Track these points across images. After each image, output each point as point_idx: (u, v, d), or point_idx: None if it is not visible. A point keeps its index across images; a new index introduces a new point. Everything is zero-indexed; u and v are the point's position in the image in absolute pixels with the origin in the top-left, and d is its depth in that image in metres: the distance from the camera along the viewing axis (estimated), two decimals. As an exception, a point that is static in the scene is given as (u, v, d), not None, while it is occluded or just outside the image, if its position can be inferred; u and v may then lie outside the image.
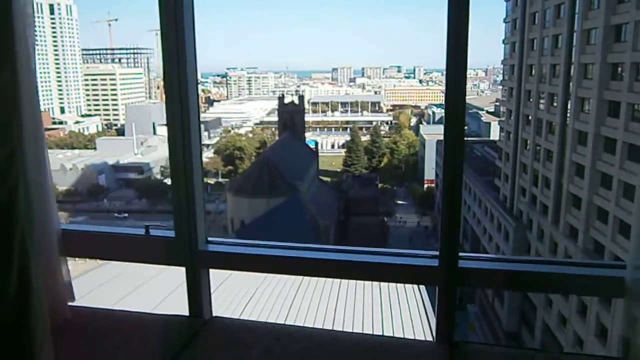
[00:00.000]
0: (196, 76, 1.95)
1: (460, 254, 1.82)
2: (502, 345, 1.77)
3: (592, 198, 17.07)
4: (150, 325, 2.04)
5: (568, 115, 18.42)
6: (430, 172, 39.81)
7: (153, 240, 2.11)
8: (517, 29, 21.83)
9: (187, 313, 2.12)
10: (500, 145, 27.54)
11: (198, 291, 2.08)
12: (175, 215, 2.02)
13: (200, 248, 2.03)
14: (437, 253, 1.84)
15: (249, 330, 1.99)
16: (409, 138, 42.83)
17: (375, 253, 1.97)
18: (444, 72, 1.77)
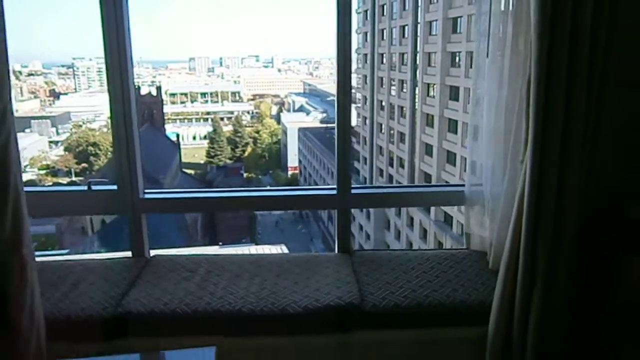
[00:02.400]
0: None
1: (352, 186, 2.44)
2: (386, 249, 2.25)
3: (440, 174, 19.19)
4: (99, 268, 2.37)
5: (417, 99, 20.37)
6: (293, 159, 40.92)
7: (97, 194, 2.44)
8: (368, 20, 23.49)
9: (130, 255, 2.49)
10: (357, 130, 29.43)
11: (140, 234, 2.46)
12: (116, 171, 2.38)
13: (141, 197, 2.41)
14: (335, 186, 2.44)
15: (186, 262, 2.42)
16: (271, 127, 43.50)
17: (288, 190, 2.53)
18: (336, 60, 2.34)
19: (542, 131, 1.74)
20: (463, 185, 2.42)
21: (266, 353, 1.97)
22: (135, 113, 2.34)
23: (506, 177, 2.09)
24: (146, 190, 2.45)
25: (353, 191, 2.42)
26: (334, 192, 2.42)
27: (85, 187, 2.43)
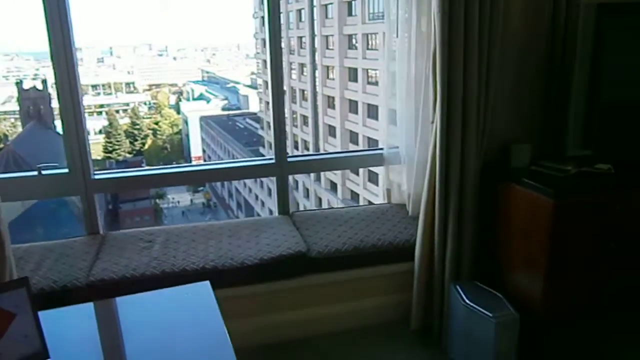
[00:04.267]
0: None
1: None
2: (320, 209, 2.50)
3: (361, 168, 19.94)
4: (58, 248, 2.50)
5: (317, 82, 20.88)
6: (197, 148, 40.15)
7: (49, 178, 2.56)
8: (264, 4, 23.56)
9: (85, 234, 2.64)
10: (260, 115, 29.52)
11: (94, 213, 2.62)
12: (67, 155, 2.52)
13: (92, 178, 2.58)
14: (273, 156, 2.75)
15: (142, 234, 2.62)
16: (171, 117, 42.25)
17: (230, 162, 2.80)
18: (267, 36, 2.63)
19: (447, 95, 2.17)
20: (382, 149, 2.82)
21: (230, 301, 2.27)
22: (82, 99, 2.49)
23: (418, 139, 2.51)
24: (95, 172, 2.62)
25: (289, 159, 2.74)
26: (272, 161, 2.72)
27: (36, 173, 2.54)
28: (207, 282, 1.60)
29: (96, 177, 2.60)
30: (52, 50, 2.37)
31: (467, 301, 2.11)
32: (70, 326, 1.46)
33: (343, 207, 3.00)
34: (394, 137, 2.70)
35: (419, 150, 2.51)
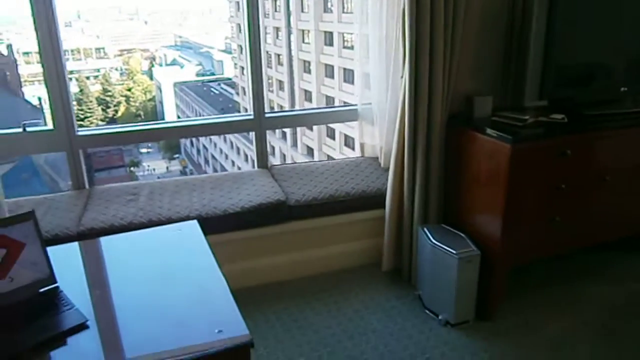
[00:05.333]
0: None
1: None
2: (297, 163, 2.63)
3: (334, 124, 19.98)
4: (45, 202, 2.60)
5: (292, 47, 20.71)
6: (171, 115, 39.60)
7: (34, 135, 2.65)
8: (237, -32, 23.09)
9: (71, 189, 2.75)
10: (235, 80, 29.19)
11: (80, 168, 2.73)
12: (52, 112, 2.60)
13: (76, 134, 2.67)
14: (252, 113, 2.87)
15: (127, 188, 2.74)
16: (144, 83, 41.46)
17: (209, 118, 2.92)
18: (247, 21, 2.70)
19: (415, 51, 2.31)
20: (356, 105, 2.96)
21: (214, 247, 2.43)
22: (64, 60, 2.57)
23: (389, 96, 2.65)
24: (78, 129, 2.71)
25: (267, 115, 2.87)
26: (251, 117, 2.85)
27: (21, 129, 2.63)
28: (195, 221, 1.74)
29: (80, 133, 2.69)
30: (34, 14, 2.43)
31: (434, 241, 2.31)
32: (65, 260, 1.55)
33: (319, 161, 3.15)
34: (367, 95, 2.84)
35: (389, 106, 2.66)
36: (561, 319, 2.37)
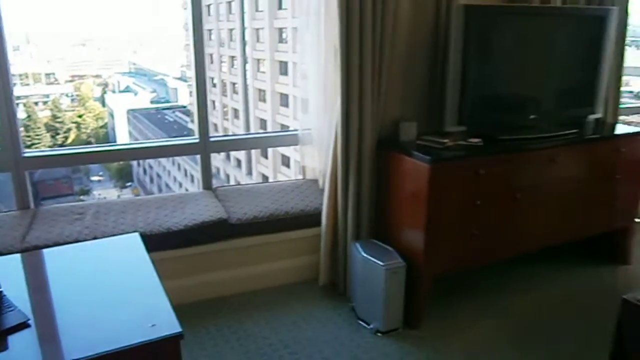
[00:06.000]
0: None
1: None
2: (241, 184, 2.66)
3: (277, 147, 20.14)
4: None
5: (248, 75, 20.94)
6: (124, 141, 38.93)
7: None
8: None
9: (15, 209, 2.81)
10: (190, 108, 29.07)
11: (25, 189, 2.79)
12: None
13: (22, 155, 2.75)
14: (197, 136, 3.02)
15: (73, 208, 2.82)
16: (96, 110, 40.71)
17: (156, 141, 3.05)
18: (191, 24, 2.89)
19: (347, 81, 2.53)
20: (297, 130, 3.16)
21: (158, 264, 2.54)
22: (12, 85, 2.66)
23: (326, 119, 2.86)
24: (25, 150, 2.79)
25: (211, 139, 3.02)
26: (197, 140, 2.99)
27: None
28: (136, 234, 1.87)
29: (26, 154, 2.77)
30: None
31: (364, 255, 2.50)
32: (7, 268, 1.65)
33: (262, 183, 3.31)
34: (307, 120, 3.04)
35: (326, 131, 2.86)
36: (480, 326, 2.59)
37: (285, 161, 19.73)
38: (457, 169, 2.42)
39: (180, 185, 28.13)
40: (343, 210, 2.72)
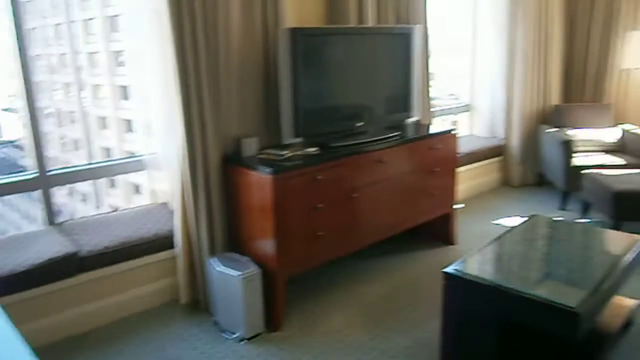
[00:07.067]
0: None
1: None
2: (90, 216, 2.57)
3: (124, 175, 19.14)
4: None
5: (86, 103, 19.70)
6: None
7: None
8: (15, 16, 21.36)
9: None
10: (24, 142, 26.45)
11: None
12: None
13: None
14: (35, 171, 2.89)
15: None
16: None
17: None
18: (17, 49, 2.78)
19: (186, 101, 2.65)
20: (142, 155, 3.17)
21: (10, 307, 2.41)
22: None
23: (171, 144, 2.92)
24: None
25: (51, 172, 2.92)
26: (36, 174, 2.87)
27: None
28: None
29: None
30: None
31: (219, 269, 2.61)
32: None
33: (112, 211, 3.26)
34: (152, 143, 3.06)
35: (172, 152, 2.92)
36: (335, 318, 2.84)
37: (137, 189, 18.88)
38: (297, 177, 2.65)
39: (20, 228, 25.49)
40: (195, 228, 2.81)
